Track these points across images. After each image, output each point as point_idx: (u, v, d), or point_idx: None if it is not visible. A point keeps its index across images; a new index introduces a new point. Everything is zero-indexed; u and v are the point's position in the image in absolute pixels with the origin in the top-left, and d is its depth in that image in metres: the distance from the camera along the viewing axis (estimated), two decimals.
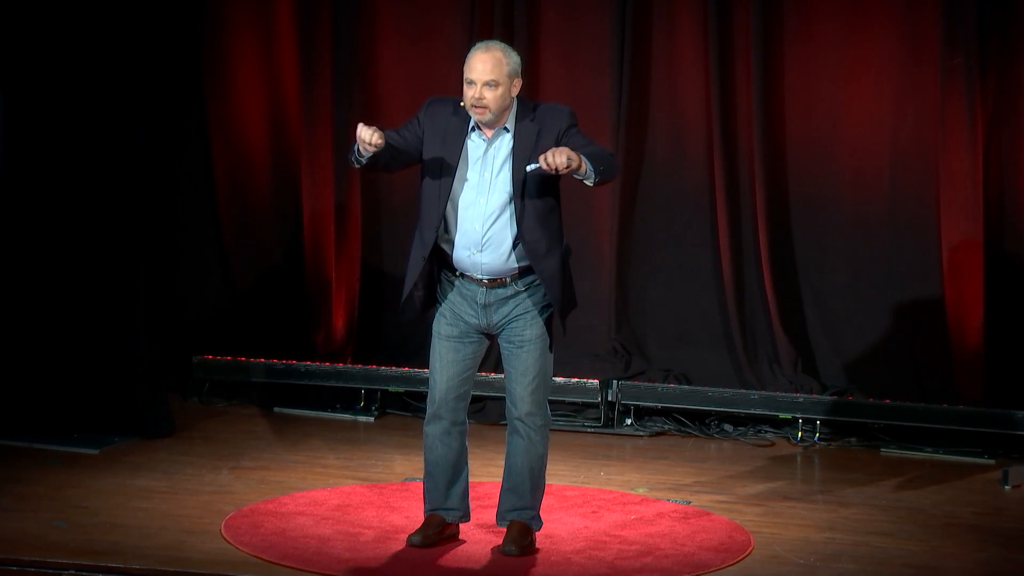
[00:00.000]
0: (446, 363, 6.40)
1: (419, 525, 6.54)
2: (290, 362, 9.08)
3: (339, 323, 9.20)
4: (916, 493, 7.66)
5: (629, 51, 8.84)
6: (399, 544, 6.49)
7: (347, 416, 8.93)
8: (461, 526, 6.62)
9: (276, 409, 8.99)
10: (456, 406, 6.43)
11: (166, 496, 7.17)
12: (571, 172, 6.05)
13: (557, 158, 5.98)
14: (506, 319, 6.33)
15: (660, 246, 9.02)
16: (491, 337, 6.45)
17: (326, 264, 9.18)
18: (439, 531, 6.50)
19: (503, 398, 6.53)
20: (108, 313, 8.22)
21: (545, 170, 6.03)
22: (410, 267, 6.36)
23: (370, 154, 6.11)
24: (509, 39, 8.50)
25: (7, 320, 8.11)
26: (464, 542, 6.54)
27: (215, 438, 8.34)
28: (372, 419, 8.90)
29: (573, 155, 6.00)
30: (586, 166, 6.07)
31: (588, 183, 6.14)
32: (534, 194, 6.22)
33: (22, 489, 7.19)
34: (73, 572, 6.10)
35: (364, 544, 6.49)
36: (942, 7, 8.39)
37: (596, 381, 8.76)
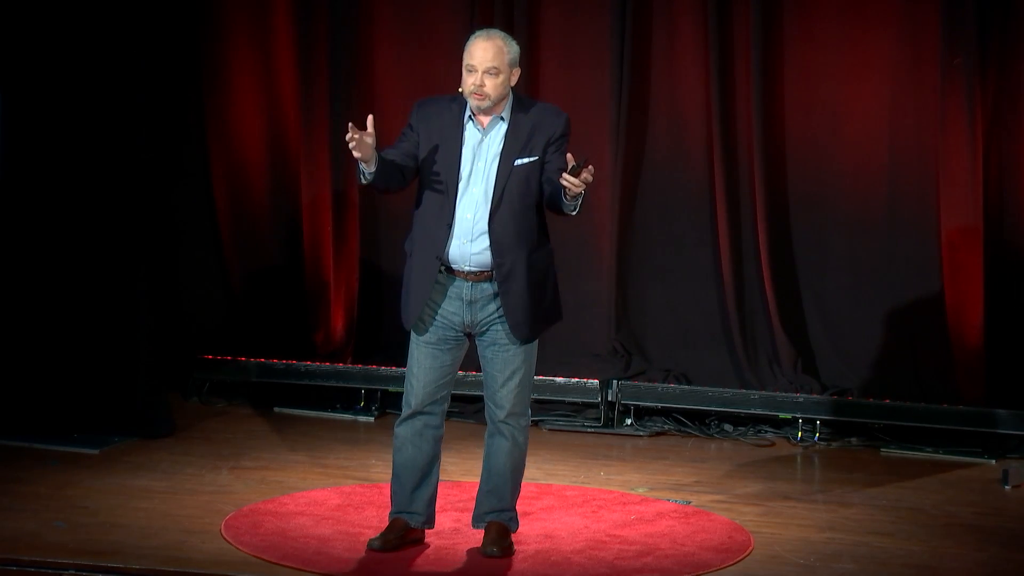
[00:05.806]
0: (424, 369, 6.31)
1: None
2: (290, 362, 9.08)
3: (339, 323, 9.20)
4: (916, 493, 7.66)
5: (629, 51, 8.83)
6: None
7: (347, 416, 8.93)
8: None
9: (276, 409, 8.99)
10: (433, 409, 6.36)
11: (166, 496, 7.16)
12: (575, 196, 6.01)
13: (583, 177, 5.95)
14: (490, 319, 6.26)
15: (660, 246, 9.02)
16: (471, 336, 6.36)
17: (325, 264, 9.18)
18: (401, 536, 6.43)
19: None
20: (108, 313, 8.22)
21: (566, 181, 5.97)
22: (417, 271, 6.25)
23: (371, 165, 6.01)
24: None
25: (7, 320, 8.12)
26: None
27: (215, 438, 8.34)
28: (372, 419, 8.90)
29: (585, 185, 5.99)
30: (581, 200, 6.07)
31: (570, 213, 6.11)
32: (515, 188, 6.17)
33: (22, 489, 7.18)
34: (73, 572, 6.10)
35: (364, 544, 6.48)
36: (942, 7, 8.39)
37: (596, 381, 8.75)
